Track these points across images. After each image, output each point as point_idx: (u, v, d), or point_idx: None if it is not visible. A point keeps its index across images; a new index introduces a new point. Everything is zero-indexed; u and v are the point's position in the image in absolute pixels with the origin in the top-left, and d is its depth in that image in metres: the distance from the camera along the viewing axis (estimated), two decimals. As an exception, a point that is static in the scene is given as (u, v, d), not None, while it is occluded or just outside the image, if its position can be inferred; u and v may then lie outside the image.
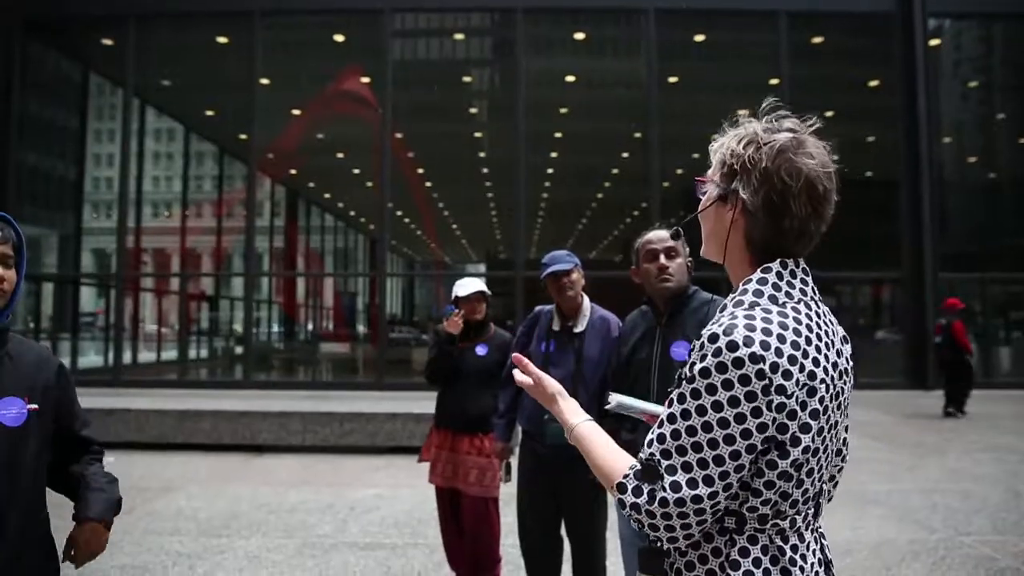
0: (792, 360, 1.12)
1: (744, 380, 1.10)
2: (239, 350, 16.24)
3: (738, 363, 1.11)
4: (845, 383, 1.24)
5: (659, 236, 2.73)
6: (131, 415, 8.01)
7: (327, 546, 4.67)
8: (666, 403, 1.19)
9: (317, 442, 7.88)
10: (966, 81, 16.90)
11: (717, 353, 1.12)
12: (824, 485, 1.25)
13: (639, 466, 1.17)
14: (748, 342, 1.11)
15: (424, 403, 4.03)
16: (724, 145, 1.27)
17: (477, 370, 3.82)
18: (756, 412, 1.11)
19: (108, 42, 15.38)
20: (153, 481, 6.46)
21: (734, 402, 1.11)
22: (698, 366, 1.14)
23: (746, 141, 1.23)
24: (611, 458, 1.24)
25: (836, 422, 1.21)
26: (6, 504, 1.63)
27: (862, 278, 15.88)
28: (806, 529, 1.21)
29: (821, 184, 1.20)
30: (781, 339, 1.13)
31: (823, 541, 1.27)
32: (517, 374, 1.47)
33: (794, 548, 1.18)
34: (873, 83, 15.64)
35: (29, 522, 1.68)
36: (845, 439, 1.39)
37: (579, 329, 3.19)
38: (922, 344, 13.64)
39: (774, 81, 14.29)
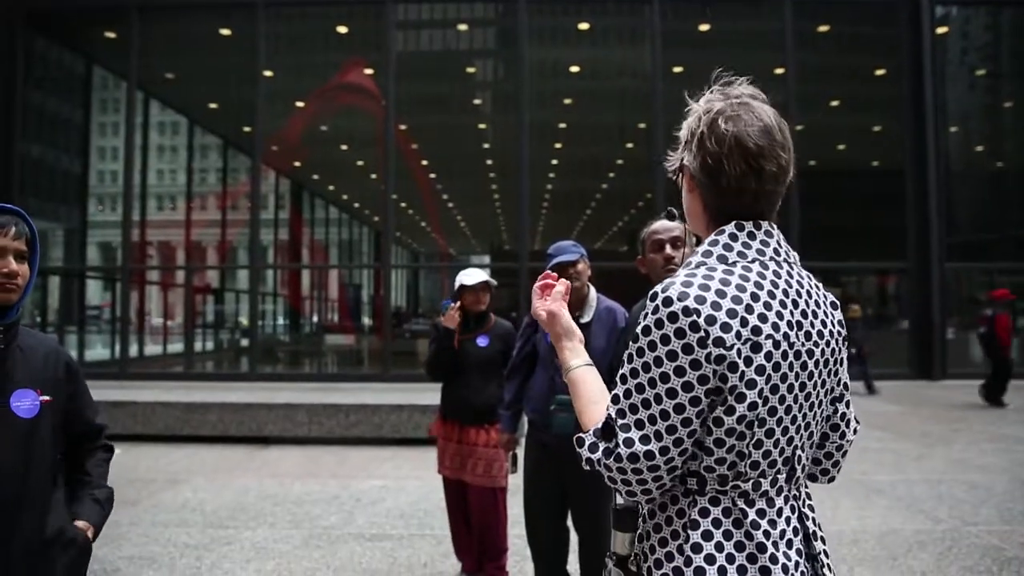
0: (731, 314, 1.14)
1: (679, 333, 1.14)
2: (245, 342, 16.28)
3: (673, 317, 1.15)
4: (816, 345, 1.23)
5: (665, 226, 2.71)
6: (137, 407, 8.04)
7: (333, 537, 4.68)
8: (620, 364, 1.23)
9: (323, 434, 7.90)
10: (973, 69, 16.76)
11: (655, 311, 1.17)
12: (799, 451, 1.23)
13: (600, 424, 1.21)
14: (682, 297, 1.15)
15: (430, 395, 4.05)
16: (686, 121, 1.32)
17: (479, 361, 3.81)
18: (695, 364, 1.14)
19: (111, 34, 15.37)
20: (159, 473, 6.49)
21: (672, 356, 1.14)
22: (640, 325, 1.19)
23: (695, 114, 1.28)
24: (591, 409, 1.28)
25: (803, 383, 1.20)
26: (22, 495, 1.64)
27: (868, 268, 15.81)
28: (777, 495, 1.20)
29: (751, 141, 1.21)
30: (720, 294, 1.16)
31: (804, 511, 1.25)
32: (534, 303, 1.50)
33: (760, 513, 1.18)
34: (880, 71, 15.53)
35: (43, 512, 1.69)
36: (844, 415, 1.37)
37: (585, 320, 3.17)
38: (928, 335, 13.59)
39: (779, 70, 14.20)
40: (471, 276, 3.78)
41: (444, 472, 3.93)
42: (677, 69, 15.00)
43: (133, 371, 14.02)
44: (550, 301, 1.47)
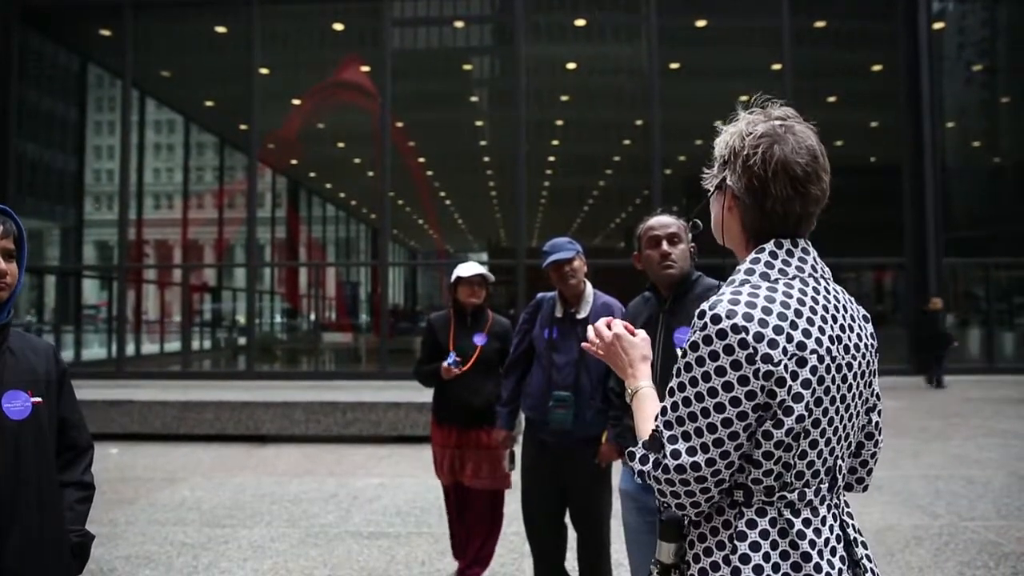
0: (777, 330, 1.18)
1: (728, 350, 1.17)
2: (242, 341, 16.25)
3: (722, 334, 1.18)
4: (855, 358, 1.27)
5: (661, 222, 2.69)
6: (135, 406, 8.03)
7: (331, 535, 4.68)
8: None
9: (320, 432, 7.89)
10: (970, 64, 16.77)
11: (704, 327, 1.20)
12: (840, 461, 1.27)
13: (647, 436, 1.26)
14: (731, 315, 1.18)
15: (427, 392, 3.98)
16: (722, 138, 1.34)
17: (478, 360, 3.70)
18: (743, 380, 1.17)
19: (106, 32, 15.31)
20: (157, 472, 6.48)
21: (721, 371, 1.18)
22: (689, 340, 1.22)
23: (737, 134, 1.30)
24: (646, 426, 1.32)
25: (843, 395, 1.24)
26: (13, 497, 1.62)
27: (865, 264, 15.81)
28: (820, 504, 1.23)
29: (799, 167, 1.24)
30: (766, 311, 1.19)
31: (844, 518, 1.28)
32: (590, 334, 1.51)
33: (806, 522, 1.21)
34: (876, 67, 15.52)
35: (39, 515, 1.67)
36: (877, 423, 1.42)
37: (582, 315, 3.17)
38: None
39: (776, 66, 14.19)
40: (467, 268, 3.67)
41: (443, 479, 3.77)
42: (674, 65, 15.00)
43: (130, 370, 13.98)
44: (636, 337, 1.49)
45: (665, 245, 2.64)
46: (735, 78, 14.73)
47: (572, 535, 3.31)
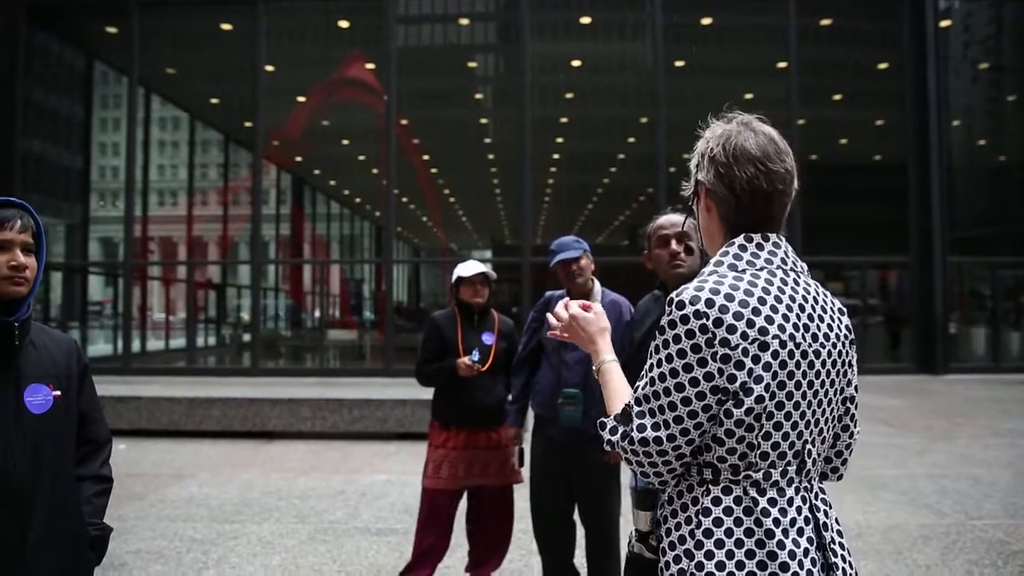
0: (737, 316, 1.26)
1: (689, 334, 1.27)
2: (247, 338, 16.29)
3: (684, 319, 1.27)
4: (823, 347, 1.32)
5: (671, 221, 2.70)
6: (141, 403, 8.06)
7: (339, 532, 4.70)
8: None
9: (327, 428, 7.91)
10: (976, 63, 16.72)
11: (670, 313, 1.30)
12: (809, 446, 1.31)
13: (621, 409, 1.36)
14: (694, 301, 1.27)
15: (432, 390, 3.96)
16: (694, 153, 1.46)
17: (492, 359, 3.61)
18: (701, 362, 1.26)
19: (112, 29, 15.34)
20: (164, 468, 6.51)
21: (682, 354, 1.27)
22: (660, 325, 1.32)
23: (702, 140, 1.43)
24: (616, 400, 1.43)
25: (811, 381, 1.30)
26: (34, 490, 1.64)
27: (870, 262, 15.78)
28: (787, 485, 1.28)
29: (756, 147, 1.34)
30: (728, 298, 1.27)
31: (816, 503, 1.32)
32: (551, 319, 1.63)
33: (771, 502, 1.26)
34: (882, 65, 15.49)
35: (58, 508, 1.69)
36: (853, 414, 1.46)
37: (591, 314, 3.17)
38: (931, 329, 13.58)
39: (782, 64, 14.16)
40: (468, 268, 3.59)
41: (443, 484, 3.50)
42: (679, 63, 14.98)
43: (136, 366, 14.04)
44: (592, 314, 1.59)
45: (674, 244, 2.64)
46: (741, 76, 14.73)
47: (581, 532, 3.32)
